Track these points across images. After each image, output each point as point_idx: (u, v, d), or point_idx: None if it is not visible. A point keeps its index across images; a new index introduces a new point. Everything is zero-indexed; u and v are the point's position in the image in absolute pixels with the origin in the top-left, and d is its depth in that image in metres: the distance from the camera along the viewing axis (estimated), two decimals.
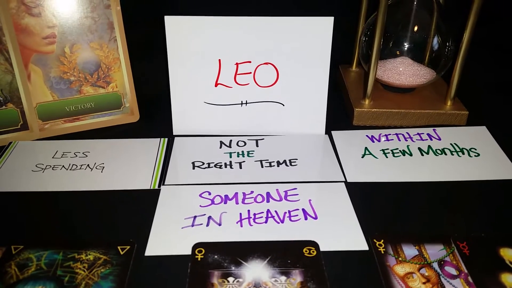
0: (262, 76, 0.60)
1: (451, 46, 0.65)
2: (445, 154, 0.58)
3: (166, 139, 0.61)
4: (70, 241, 0.44)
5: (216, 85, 0.61)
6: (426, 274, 0.41)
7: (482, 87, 0.76)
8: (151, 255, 0.43)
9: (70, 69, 0.60)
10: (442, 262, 0.42)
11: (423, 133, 0.62)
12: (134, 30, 0.63)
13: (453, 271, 0.42)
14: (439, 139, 0.61)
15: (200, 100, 0.61)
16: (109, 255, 0.42)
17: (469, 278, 0.41)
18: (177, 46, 0.58)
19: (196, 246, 0.44)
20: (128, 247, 0.43)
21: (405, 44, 0.66)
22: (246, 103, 0.62)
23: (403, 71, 0.65)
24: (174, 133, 0.63)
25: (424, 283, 0.40)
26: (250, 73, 0.60)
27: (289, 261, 0.42)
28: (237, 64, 0.59)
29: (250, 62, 0.59)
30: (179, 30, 0.57)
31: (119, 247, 0.43)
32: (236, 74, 0.60)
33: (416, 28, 0.65)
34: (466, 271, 0.42)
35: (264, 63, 0.59)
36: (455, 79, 0.63)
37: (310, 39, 0.58)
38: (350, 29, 0.73)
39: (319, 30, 0.57)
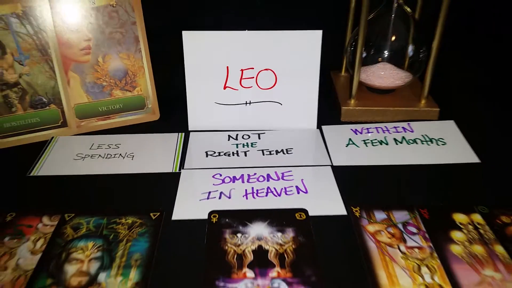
0: (263, 80, 0.72)
1: (424, 52, 0.76)
2: (416, 143, 0.69)
3: (183, 133, 0.73)
4: (112, 210, 0.56)
5: (225, 88, 0.72)
6: (392, 231, 0.52)
7: (454, 88, 0.88)
8: (177, 219, 0.54)
9: (102, 75, 0.72)
10: (405, 224, 0.54)
11: (398, 126, 0.73)
12: (156, 42, 0.74)
13: (414, 230, 0.53)
14: (412, 131, 0.72)
15: (211, 101, 0.73)
16: (144, 220, 0.54)
17: (426, 235, 0.52)
18: (193, 56, 0.70)
19: (211, 212, 0.55)
20: (158, 213, 0.55)
21: (385, 51, 0.78)
22: (250, 103, 0.73)
23: (383, 75, 0.77)
24: (189, 129, 0.74)
25: (389, 238, 0.52)
26: (253, 77, 0.71)
27: (284, 223, 0.53)
28: (242, 70, 0.71)
29: (253, 68, 0.71)
30: (194, 42, 0.69)
31: (151, 214, 0.55)
32: (241, 78, 0.72)
33: (394, 38, 0.77)
34: (424, 229, 0.53)
35: (265, 69, 0.71)
36: (427, 81, 0.75)
37: (303, 49, 0.69)
38: (340, 40, 0.85)
39: (310, 41, 0.69)
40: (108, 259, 0.48)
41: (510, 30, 0.95)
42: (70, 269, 0.47)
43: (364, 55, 0.76)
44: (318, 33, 0.69)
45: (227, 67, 0.71)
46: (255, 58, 0.70)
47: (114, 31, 0.71)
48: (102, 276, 0.46)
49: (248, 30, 0.69)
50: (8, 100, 0.68)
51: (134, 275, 0.47)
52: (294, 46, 0.69)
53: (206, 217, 0.54)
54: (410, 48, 0.77)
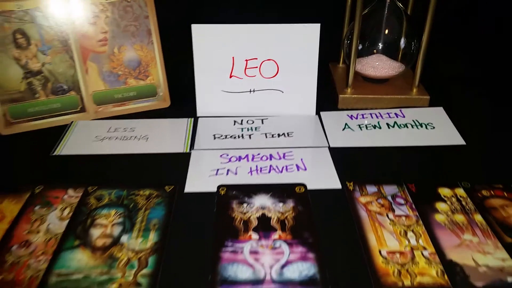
0: (266, 70, 0.78)
1: (415, 44, 0.82)
2: (407, 127, 0.75)
3: (192, 118, 0.79)
4: (131, 183, 0.62)
5: (231, 76, 0.78)
6: (382, 202, 0.59)
7: (445, 78, 0.94)
8: (189, 192, 0.61)
9: (118, 65, 0.78)
10: (394, 196, 0.60)
11: (391, 113, 0.79)
12: (167, 35, 0.80)
13: (402, 201, 0.59)
14: (404, 116, 0.78)
15: (218, 89, 0.79)
16: (159, 192, 0.60)
17: (413, 205, 0.58)
18: (201, 47, 0.76)
19: (220, 186, 0.61)
20: (173, 186, 0.61)
21: (379, 44, 0.84)
22: (254, 90, 0.79)
23: (378, 65, 0.83)
24: (198, 115, 0.80)
25: (379, 207, 0.58)
26: (257, 67, 0.77)
27: (285, 195, 0.59)
28: (246, 60, 0.77)
29: (256, 58, 0.77)
30: (203, 35, 0.75)
31: (166, 187, 0.61)
32: (245, 68, 0.78)
33: (387, 32, 0.83)
34: (411, 201, 0.59)
35: (267, 60, 0.77)
36: (418, 71, 0.81)
37: (303, 40, 0.75)
38: (339, 34, 0.91)
39: (309, 33, 0.75)
40: (129, 224, 0.55)
41: (498, 24, 1.01)
42: (95, 232, 0.54)
43: (360, 47, 0.82)
44: (316, 26, 0.75)
45: (233, 57, 0.77)
46: (259, 49, 0.76)
47: (128, 24, 0.77)
48: (124, 238, 0.53)
49: (252, 23, 0.75)
50: (32, 87, 0.74)
51: (153, 236, 0.53)
52: (294, 38, 0.75)
53: (215, 190, 0.61)
54: (402, 41, 0.83)
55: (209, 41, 0.76)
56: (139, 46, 0.78)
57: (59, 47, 0.74)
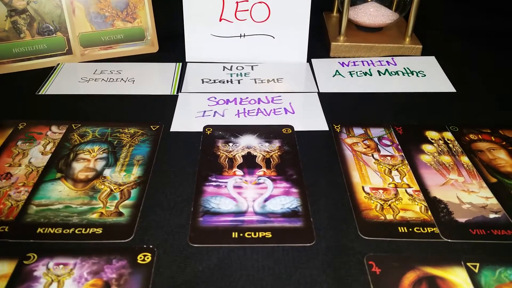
0: (257, 13, 0.76)
1: None
2: (398, 75, 0.74)
3: (181, 63, 0.78)
4: (116, 122, 0.61)
5: (220, 20, 0.76)
6: (368, 143, 0.58)
7: (441, 29, 0.92)
8: (175, 131, 0.60)
9: (105, 6, 0.76)
10: (380, 138, 0.59)
11: (382, 60, 0.78)
12: None
13: (388, 143, 0.58)
14: (395, 64, 0.77)
15: (207, 33, 0.77)
16: (144, 130, 0.59)
17: (399, 147, 0.58)
18: None
19: (206, 126, 0.61)
20: (158, 126, 0.60)
21: None
22: (244, 35, 0.78)
23: (372, 12, 0.81)
24: (186, 60, 0.79)
25: (365, 148, 0.57)
26: (247, 10, 0.76)
27: (271, 135, 0.59)
28: (237, 2, 0.75)
29: (247, 1, 0.75)
30: None
31: (151, 126, 0.60)
32: (236, 11, 0.76)
33: None
34: (397, 142, 0.59)
35: (259, 2, 0.75)
36: (411, 20, 0.79)
37: None
38: None
39: None
40: (113, 159, 0.54)
41: None
42: (78, 166, 0.53)
43: None
44: None
45: None
46: None
47: None
48: (107, 172, 0.52)
49: None
50: (17, 26, 0.72)
51: (136, 171, 0.52)
52: None
53: (201, 130, 0.60)
54: None
55: None
56: None
57: None
